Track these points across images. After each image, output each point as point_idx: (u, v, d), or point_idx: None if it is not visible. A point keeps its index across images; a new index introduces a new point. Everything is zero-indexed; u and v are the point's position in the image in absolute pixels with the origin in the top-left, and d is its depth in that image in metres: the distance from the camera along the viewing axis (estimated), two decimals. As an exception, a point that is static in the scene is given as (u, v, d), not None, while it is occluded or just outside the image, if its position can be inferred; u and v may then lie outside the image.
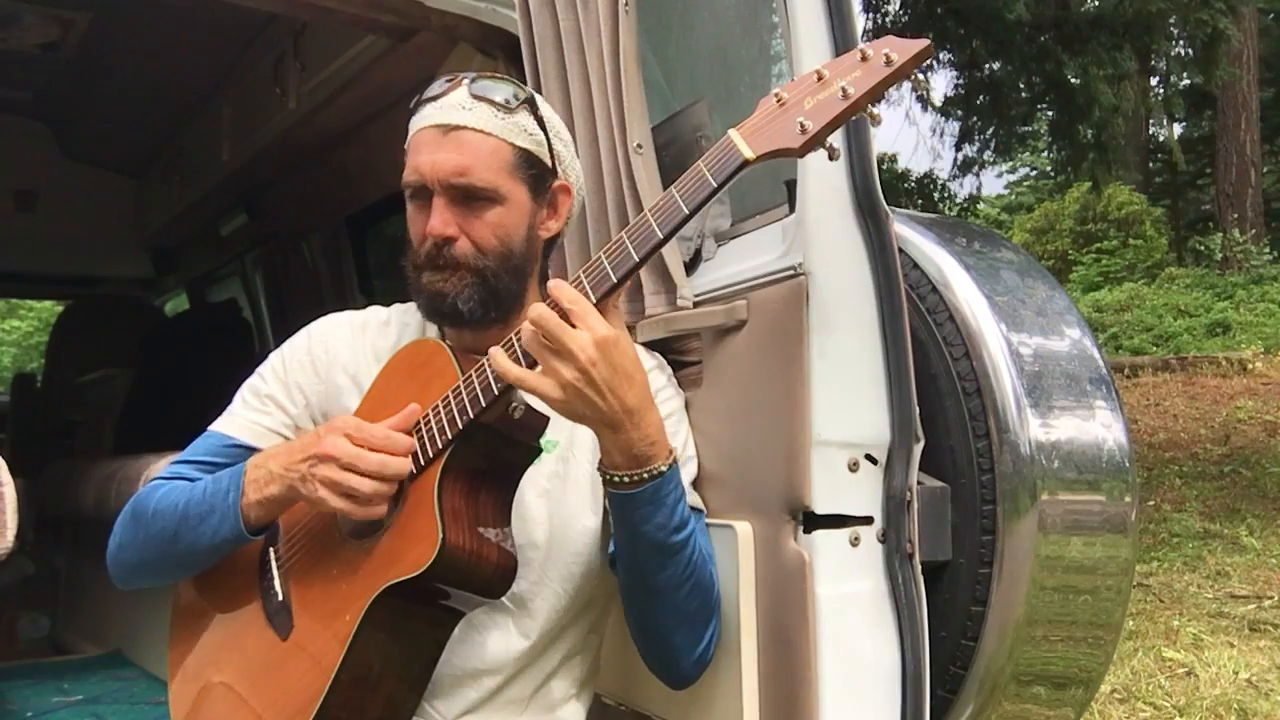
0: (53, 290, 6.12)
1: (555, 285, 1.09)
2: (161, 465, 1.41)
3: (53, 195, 4.46)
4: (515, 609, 1.32)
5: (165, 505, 1.30)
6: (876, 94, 1.02)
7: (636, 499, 1.16)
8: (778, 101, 1.06)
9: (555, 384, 1.08)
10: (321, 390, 1.39)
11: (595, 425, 1.13)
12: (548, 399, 1.10)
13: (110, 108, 3.90)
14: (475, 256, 1.28)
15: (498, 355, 1.10)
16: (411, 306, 1.46)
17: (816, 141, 1.04)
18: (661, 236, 1.07)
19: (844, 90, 1.02)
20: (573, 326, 1.07)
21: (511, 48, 1.93)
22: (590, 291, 1.09)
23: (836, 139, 1.06)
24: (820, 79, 1.04)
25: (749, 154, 1.05)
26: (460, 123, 1.28)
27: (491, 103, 1.30)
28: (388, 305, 1.49)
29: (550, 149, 1.34)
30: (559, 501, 1.35)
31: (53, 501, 3.47)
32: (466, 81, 1.31)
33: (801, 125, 1.03)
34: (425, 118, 1.31)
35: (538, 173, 1.33)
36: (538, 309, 1.07)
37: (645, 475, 1.15)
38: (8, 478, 1.57)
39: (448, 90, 1.31)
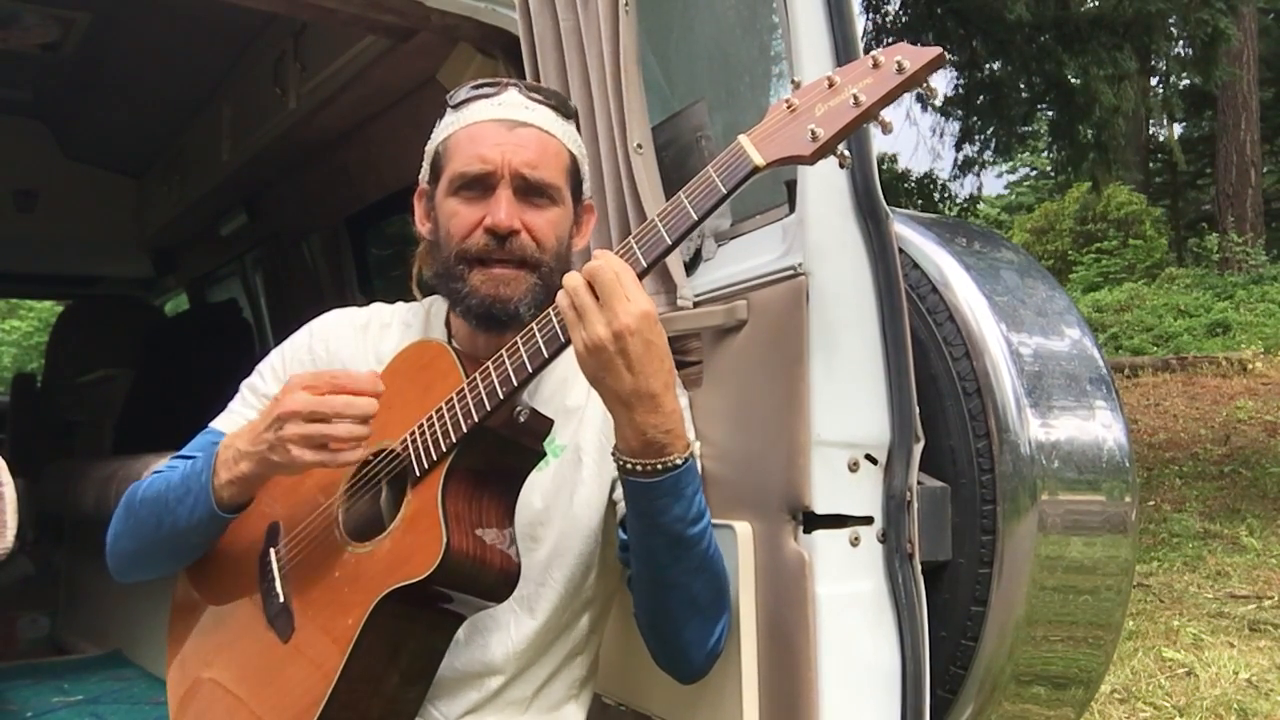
0: (53, 290, 6.13)
1: (601, 253, 1.09)
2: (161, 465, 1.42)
3: (53, 195, 4.46)
4: (518, 610, 1.32)
5: (151, 493, 1.32)
6: (888, 102, 1.02)
7: (656, 489, 1.15)
8: (788, 108, 1.05)
9: (588, 335, 1.07)
10: None
11: (613, 400, 1.11)
12: (579, 350, 1.08)
13: (110, 108, 3.90)
14: (535, 252, 1.26)
15: (572, 277, 1.08)
16: (415, 307, 1.46)
17: (827, 149, 1.03)
18: (670, 242, 1.08)
19: (855, 98, 1.01)
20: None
21: (511, 48, 1.93)
22: None
23: (838, 138, 1.05)
24: (831, 85, 1.04)
25: (759, 160, 1.04)
26: (526, 120, 1.28)
27: (551, 106, 1.31)
28: (390, 304, 1.49)
29: (584, 166, 1.37)
30: (565, 503, 1.35)
31: (53, 501, 3.47)
32: (514, 86, 1.31)
33: (813, 133, 1.02)
34: (480, 112, 1.29)
35: (578, 184, 1.35)
36: (594, 263, 1.07)
37: (660, 466, 1.14)
38: (8, 478, 1.57)
39: (499, 90, 1.30)
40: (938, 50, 1.01)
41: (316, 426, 1.13)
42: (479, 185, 1.26)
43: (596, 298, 1.06)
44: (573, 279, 1.08)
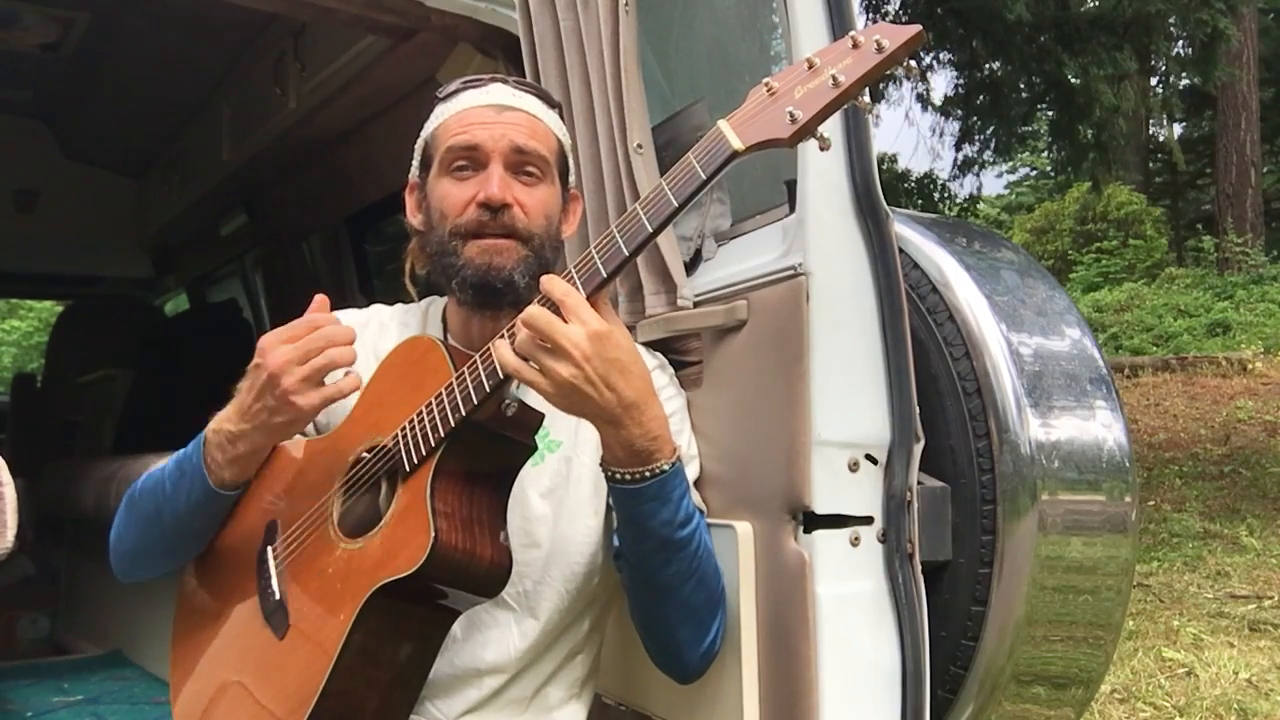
0: (53, 290, 6.13)
1: (546, 280, 1.09)
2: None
3: (53, 195, 4.46)
4: (518, 608, 1.32)
5: (148, 485, 1.33)
6: (868, 82, 1.00)
7: (641, 494, 1.16)
8: (768, 91, 1.04)
9: (551, 381, 1.07)
10: None
11: (595, 420, 1.12)
12: (546, 395, 1.09)
13: (110, 108, 3.90)
14: (525, 225, 1.28)
15: (500, 346, 1.10)
16: (413, 307, 1.46)
17: (807, 131, 1.02)
18: (651, 230, 1.07)
19: (834, 78, 1.00)
20: (565, 321, 1.06)
21: (511, 48, 1.93)
22: (580, 286, 1.09)
23: (838, 137, 1.05)
24: (811, 67, 1.02)
25: (738, 145, 1.03)
26: (515, 104, 1.32)
27: (537, 95, 1.36)
28: (390, 305, 1.49)
29: (570, 156, 1.39)
30: (562, 501, 1.35)
31: (53, 501, 3.47)
32: (500, 80, 1.35)
33: (791, 115, 1.01)
34: (470, 99, 1.32)
35: (565, 171, 1.37)
36: (530, 309, 1.07)
37: (647, 473, 1.14)
38: (8, 478, 1.56)
39: (485, 83, 1.34)
40: (917, 28, 0.99)
41: (313, 363, 1.15)
42: (471, 162, 1.29)
43: (543, 338, 1.06)
44: (521, 331, 1.08)
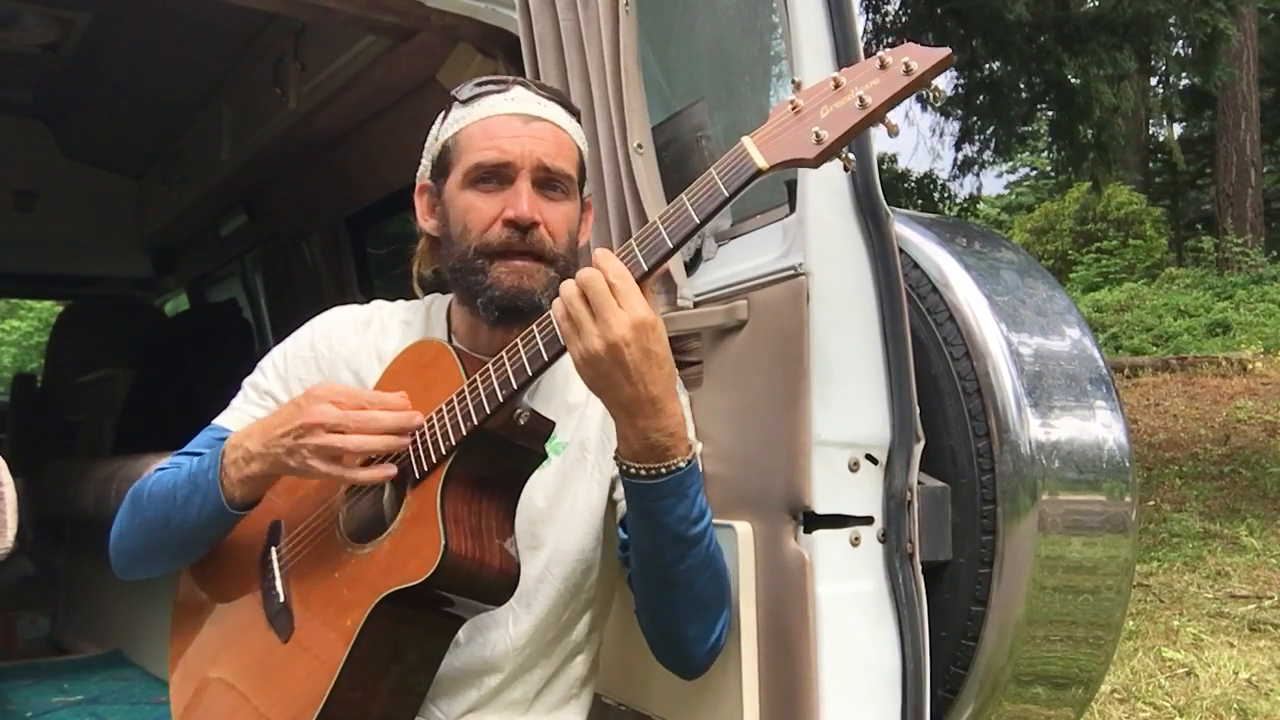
0: (53, 290, 6.14)
1: (602, 255, 1.08)
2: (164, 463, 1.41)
3: (53, 195, 4.46)
4: (517, 607, 1.32)
5: (158, 490, 1.31)
6: (895, 104, 0.99)
7: (659, 490, 1.15)
8: (793, 109, 1.03)
9: (584, 346, 1.06)
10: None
11: (614, 407, 1.11)
12: (575, 361, 1.08)
13: (110, 108, 3.90)
14: (551, 247, 1.27)
15: (556, 303, 1.09)
16: (415, 305, 1.46)
17: (831, 152, 1.01)
18: (671, 245, 1.07)
19: (861, 99, 0.99)
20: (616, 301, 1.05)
21: (511, 48, 1.93)
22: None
23: (839, 140, 1.04)
24: (837, 87, 1.02)
25: (762, 163, 1.03)
26: (540, 114, 1.29)
27: (562, 104, 1.33)
28: (391, 302, 1.49)
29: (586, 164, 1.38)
30: (567, 501, 1.35)
31: (53, 501, 3.47)
32: (521, 84, 1.32)
33: (817, 135, 1.00)
34: (493, 106, 1.29)
35: (584, 180, 1.36)
36: (588, 271, 1.06)
37: (663, 470, 1.14)
38: (8, 478, 1.56)
39: (507, 86, 1.31)
40: (946, 51, 0.98)
41: (333, 438, 1.14)
42: (496, 177, 1.27)
43: (591, 307, 1.06)
44: (567, 288, 1.07)
